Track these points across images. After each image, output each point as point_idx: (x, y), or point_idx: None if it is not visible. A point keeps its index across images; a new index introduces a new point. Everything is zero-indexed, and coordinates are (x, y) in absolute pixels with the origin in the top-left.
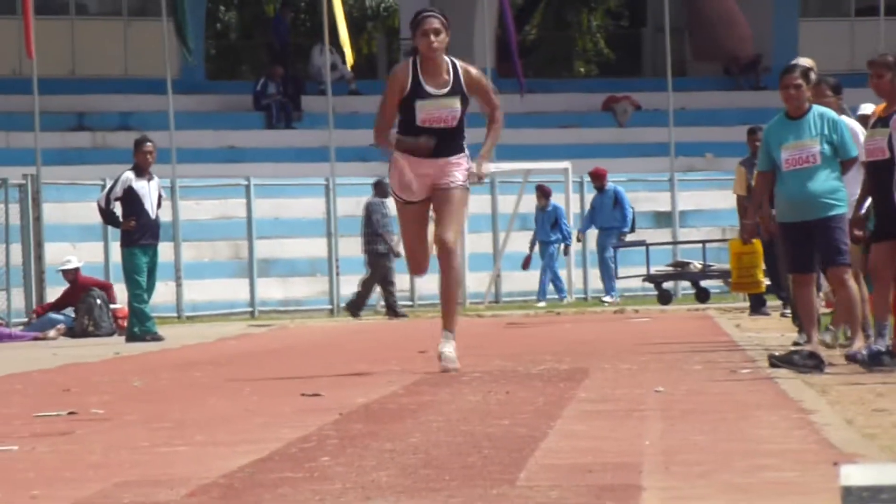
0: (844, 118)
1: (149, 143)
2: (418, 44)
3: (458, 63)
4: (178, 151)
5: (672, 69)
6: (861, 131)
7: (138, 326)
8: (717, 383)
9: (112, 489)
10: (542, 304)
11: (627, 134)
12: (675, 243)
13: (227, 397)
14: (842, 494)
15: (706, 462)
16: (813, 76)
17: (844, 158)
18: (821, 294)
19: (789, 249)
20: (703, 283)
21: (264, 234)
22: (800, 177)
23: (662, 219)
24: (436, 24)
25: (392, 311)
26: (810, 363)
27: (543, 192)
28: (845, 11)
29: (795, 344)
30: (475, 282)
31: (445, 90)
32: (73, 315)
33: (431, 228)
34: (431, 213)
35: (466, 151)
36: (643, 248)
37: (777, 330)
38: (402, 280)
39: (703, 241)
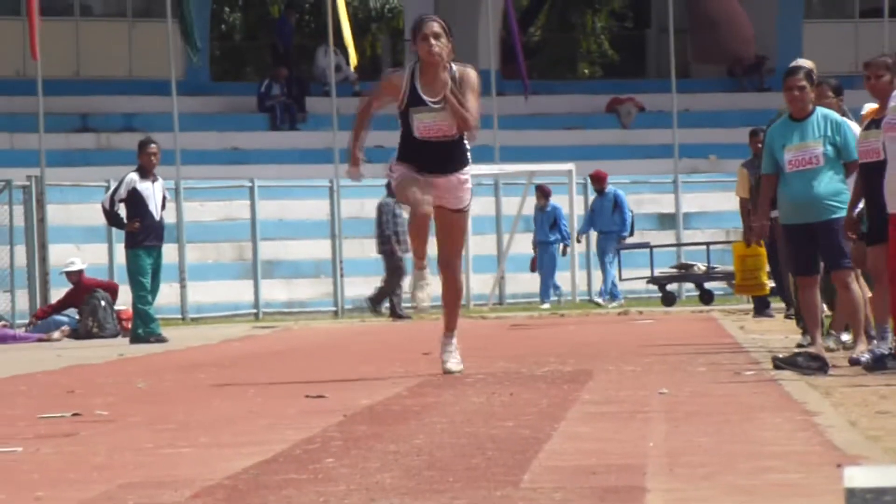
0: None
1: (153, 145)
2: (418, 49)
3: (457, 67)
4: (183, 153)
5: (676, 70)
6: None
7: (142, 328)
8: (721, 385)
9: (116, 491)
10: (545, 305)
11: (631, 135)
12: (678, 245)
13: (232, 399)
14: (845, 496)
15: (710, 464)
16: (814, 77)
17: (847, 160)
18: None
19: (792, 251)
20: (707, 285)
21: (268, 235)
22: (803, 178)
23: (666, 220)
24: (435, 27)
25: (395, 312)
26: (814, 365)
27: (543, 192)
28: (849, 13)
29: (799, 346)
30: (479, 283)
31: (441, 98)
32: (77, 317)
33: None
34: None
35: (470, 164)
36: (647, 249)
37: (781, 332)
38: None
39: (707, 243)
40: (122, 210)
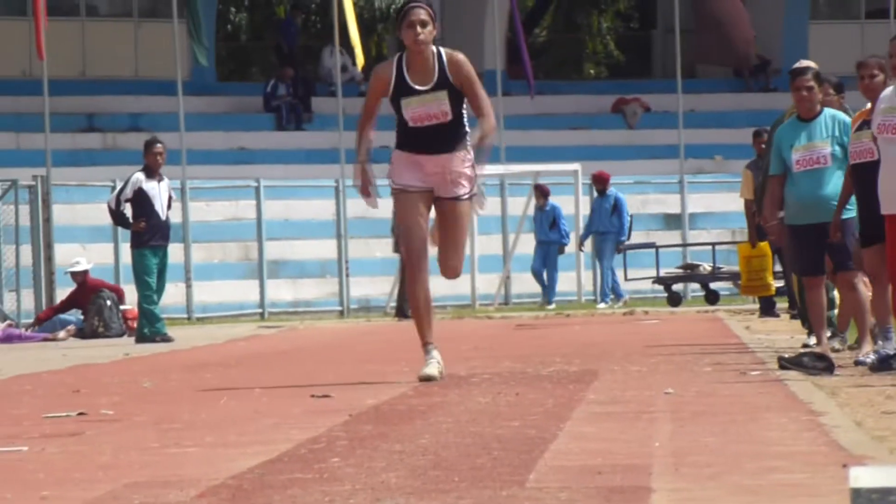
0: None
1: (159, 145)
2: (403, 36)
3: (445, 53)
4: (189, 153)
5: (682, 71)
6: None
7: (148, 328)
8: (726, 385)
9: (122, 490)
10: (551, 305)
11: (637, 136)
12: (684, 245)
13: (237, 398)
14: (851, 496)
15: (716, 464)
16: (822, 78)
17: None
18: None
19: (799, 252)
20: (713, 286)
21: (274, 235)
22: (810, 178)
23: (672, 221)
24: (422, 14)
25: (401, 312)
26: (820, 365)
27: (542, 192)
28: (855, 14)
29: (805, 346)
30: (485, 283)
31: (431, 84)
32: (82, 316)
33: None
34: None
35: (469, 148)
36: (653, 250)
37: (786, 332)
38: None
39: (713, 244)
40: (127, 210)
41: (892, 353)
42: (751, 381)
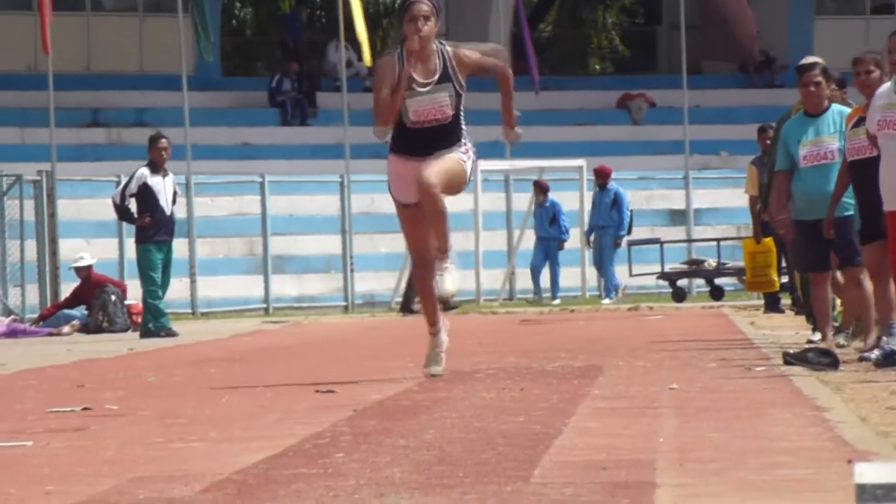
0: None
1: (164, 140)
2: (405, 31)
3: (448, 48)
4: (193, 148)
5: (687, 67)
6: None
7: (153, 322)
8: (731, 381)
9: (126, 485)
10: (556, 301)
11: (642, 131)
12: (689, 241)
13: (242, 393)
14: (856, 492)
15: (720, 459)
16: (829, 74)
17: None
18: None
19: (805, 247)
20: (718, 281)
21: (279, 230)
22: (818, 173)
23: (677, 217)
24: (424, 9)
25: (406, 307)
26: (825, 361)
27: (541, 188)
28: (861, 10)
29: (809, 342)
30: (489, 279)
31: (433, 80)
32: (87, 311)
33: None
34: None
35: (465, 140)
36: (658, 245)
37: (791, 328)
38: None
39: (718, 239)
40: (132, 205)
41: None
42: (756, 377)
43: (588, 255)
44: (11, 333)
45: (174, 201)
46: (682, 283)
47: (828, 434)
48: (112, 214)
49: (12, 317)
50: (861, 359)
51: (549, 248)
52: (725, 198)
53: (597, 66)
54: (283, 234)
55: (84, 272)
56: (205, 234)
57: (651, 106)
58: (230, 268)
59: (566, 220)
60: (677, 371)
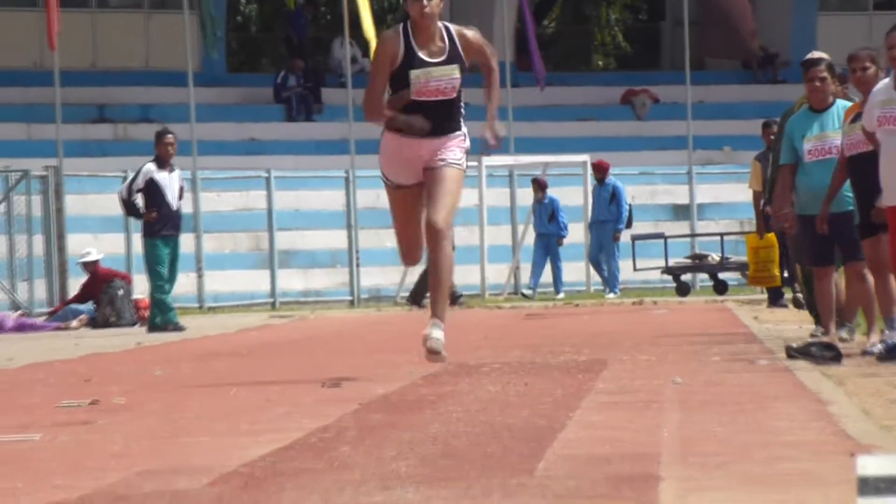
0: None
1: (170, 135)
2: (409, 9)
3: (453, 27)
4: (200, 143)
5: (690, 63)
6: None
7: (160, 317)
8: (735, 374)
9: (134, 478)
10: (560, 295)
11: (646, 127)
12: (693, 236)
13: (248, 387)
14: (858, 485)
15: (724, 453)
16: (835, 70)
17: None
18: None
19: (809, 241)
20: (721, 276)
21: (285, 225)
22: (822, 168)
23: (681, 211)
24: None
25: (416, 300)
26: (828, 354)
27: (539, 185)
28: (863, 6)
29: (813, 336)
30: (494, 273)
31: (442, 58)
32: (94, 305)
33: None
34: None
35: (464, 129)
36: (661, 240)
37: (795, 322)
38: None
39: (721, 234)
40: (139, 200)
41: None
42: (759, 371)
43: (592, 251)
44: (20, 328)
45: (181, 196)
46: (685, 277)
47: (831, 428)
48: (119, 209)
49: (20, 311)
50: (864, 353)
51: (549, 244)
52: (728, 193)
53: (600, 63)
54: (289, 228)
55: (91, 267)
56: (211, 228)
57: (654, 101)
58: (237, 262)
59: (564, 216)
60: (681, 365)
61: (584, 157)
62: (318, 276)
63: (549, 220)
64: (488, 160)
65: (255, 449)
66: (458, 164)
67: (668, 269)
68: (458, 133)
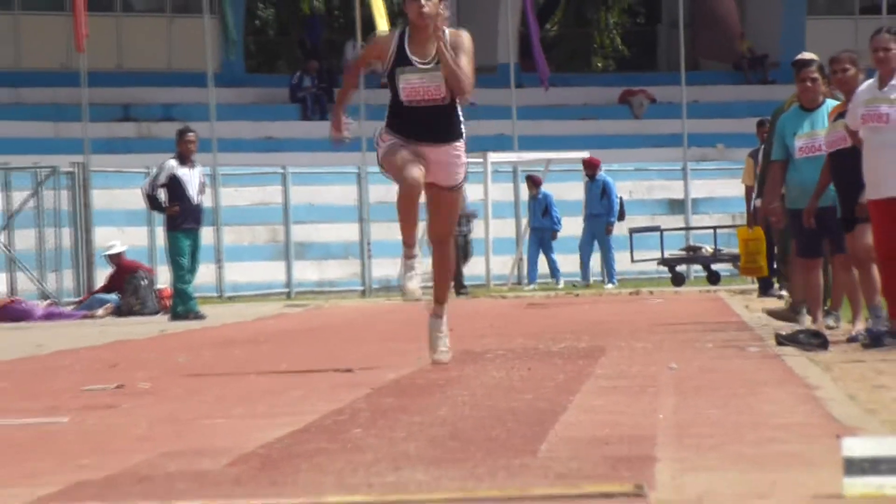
0: None
1: (191, 133)
2: (407, 9)
3: (450, 31)
4: (219, 141)
5: (685, 64)
6: None
7: (181, 306)
8: (727, 361)
9: (157, 459)
10: (560, 284)
11: (643, 125)
12: (687, 229)
13: (265, 373)
14: (844, 465)
15: (717, 435)
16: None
17: None
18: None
19: (799, 234)
20: (714, 267)
21: (300, 219)
22: (812, 164)
23: (676, 206)
24: None
25: (458, 290)
26: (815, 342)
27: (533, 182)
28: (850, 10)
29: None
30: (498, 265)
31: (431, 60)
32: (119, 295)
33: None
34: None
35: (464, 137)
36: (658, 233)
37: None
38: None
39: (715, 227)
40: (162, 195)
41: (883, 330)
42: (750, 357)
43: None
44: (48, 316)
45: (202, 191)
46: (680, 268)
47: (818, 411)
48: (143, 204)
49: (49, 301)
50: (849, 340)
51: (543, 238)
52: (722, 188)
53: (599, 64)
54: (304, 222)
55: (116, 259)
56: (230, 222)
57: (651, 101)
58: (254, 254)
59: (558, 211)
60: (676, 352)
61: (585, 154)
62: (332, 267)
63: (542, 215)
64: (493, 156)
65: (272, 431)
66: (460, 188)
67: (663, 261)
68: (458, 143)
